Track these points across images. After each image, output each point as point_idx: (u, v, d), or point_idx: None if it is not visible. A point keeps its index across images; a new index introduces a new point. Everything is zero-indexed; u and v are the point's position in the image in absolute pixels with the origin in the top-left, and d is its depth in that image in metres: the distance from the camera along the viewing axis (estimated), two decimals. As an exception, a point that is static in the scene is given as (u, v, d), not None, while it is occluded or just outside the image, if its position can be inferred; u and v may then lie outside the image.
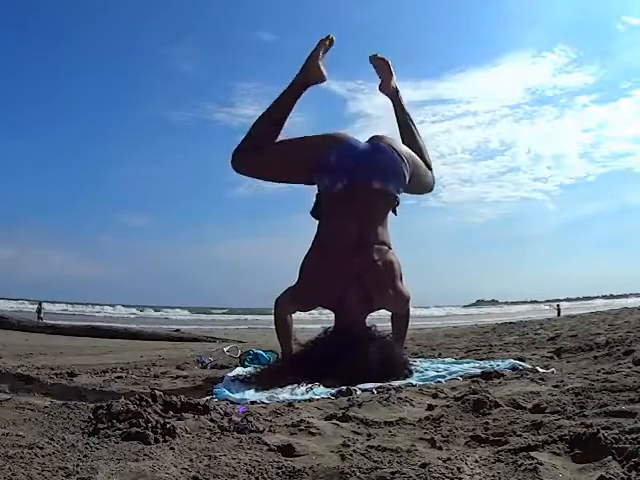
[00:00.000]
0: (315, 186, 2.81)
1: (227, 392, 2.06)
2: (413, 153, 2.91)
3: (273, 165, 2.83)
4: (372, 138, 2.85)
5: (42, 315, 17.28)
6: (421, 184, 3.08)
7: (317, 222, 2.81)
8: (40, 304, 18.83)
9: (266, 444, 1.20)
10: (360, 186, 2.64)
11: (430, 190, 3.26)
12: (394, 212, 2.84)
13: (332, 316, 2.77)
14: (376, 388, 2.07)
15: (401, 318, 2.85)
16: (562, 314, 17.40)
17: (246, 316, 30.12)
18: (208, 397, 1.95)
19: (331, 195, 2.68)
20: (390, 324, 2.90)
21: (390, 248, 2.74)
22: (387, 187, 2.68)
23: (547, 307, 23.55)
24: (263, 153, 2.77)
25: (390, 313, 2.90)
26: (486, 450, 1.14)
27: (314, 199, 2.82)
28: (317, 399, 1.93)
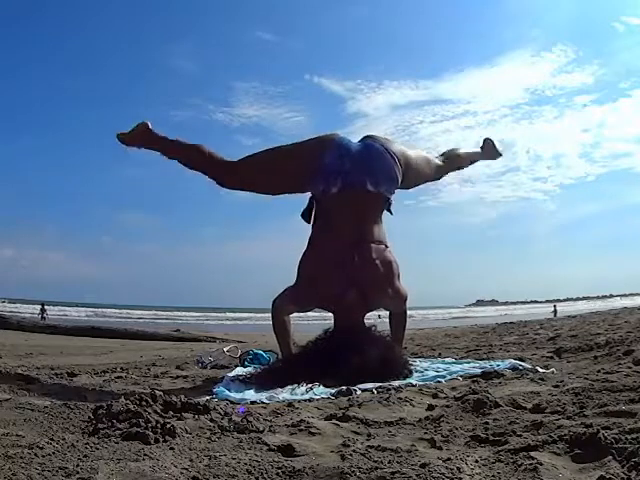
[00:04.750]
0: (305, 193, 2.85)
1: (227, 392, 2.06)
2: (406, 150, 2.91)
3: (260, 176, 2.84)
4: (364, 138, 2.87)
5: (45, 315, 17.36)
6: (420, 176, 3.08)
7: (310, 223, 2.83)
8: (43, 305, 18.92)
9: (266, 444, 1.20)
10: (354, 189, 2.66)
11: (435, 177, 3.25)
12: (389, 212, 2.86)
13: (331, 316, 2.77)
14: (376, 388, 2.07)
15: (399, 316, 2.86)
16: (562, 314, 17.35)
17: (246, 316, 30.13)
18: (208, 397, 1.95)
19: (326, 199, 2.71)
20: (388, 323, 2.90)
21: (387, 246, 2.74)
22: (380, 190, 2.71)
23: (551, 309, 23.56)
24: (246, 170, 2.83)
25: (388, 312, 2.90)
26: (486, 450, 1.14)
27: (307, 202, 2.85)
28: (317, 399, 1.93)
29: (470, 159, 3.48)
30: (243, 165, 2.83)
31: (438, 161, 3.18)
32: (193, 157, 2.85)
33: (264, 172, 2.81)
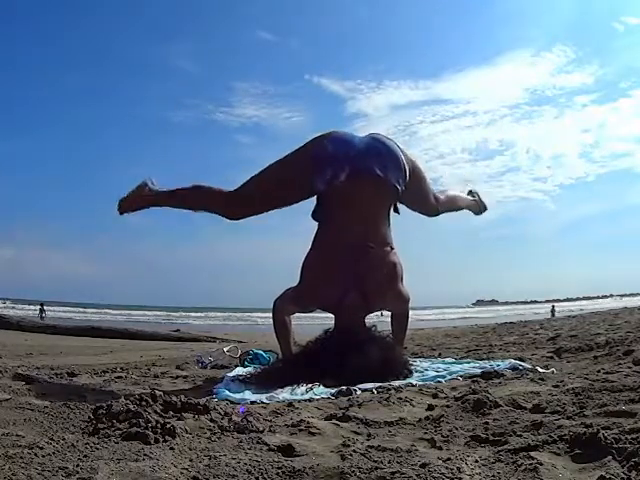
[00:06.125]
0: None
1: (227, 392, 2.06)
2: (415, 161, 2.86)
3: (268, 194, 2.78)
4: (369, 134, 2.84)
5: (44, 315, 17.43)
6: (422, 194, 2.97)
7: (317, 223, 2.80)
8: (42, 305, 18.99)
9: (266, 444, 1.20)
10: (361, 176, 2.60)
11: (433, 213, 3.13)
12: (396, 210, 2.81)
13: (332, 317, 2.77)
14: (376, 388, 2.07)
15: (400, 317, 2.85)
16: (562, 314, 17.27)
17: (246, 316, 30.12)
18: (208, 397, 1.95)
19: (332, 190, 2.61)
20: (390, 324, 2.90)
21: (392, 248, 2.71)
22: (387, 175, 2.62)
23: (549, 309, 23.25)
24: (247, 193, 2.77)
25: (389, 312, 2.90)
26: (486, 450, 1.14)
27: (315, 201, 2.79)
28: (317, 399, 1.93)
29: (466, 204, 3.46)
30: (245, 189, 2.78)
31: (441, 196, 3.12)
32: (193, 199, 2.85)
33: (271, 186, 2.75)
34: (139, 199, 2.84)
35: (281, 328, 2.73)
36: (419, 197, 2.96)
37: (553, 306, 24.20)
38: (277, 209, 2.86)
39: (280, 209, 2.86)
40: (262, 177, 2.78)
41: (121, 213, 2.88)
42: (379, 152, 2.68)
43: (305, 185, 2.69)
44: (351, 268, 2.57)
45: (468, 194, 3.56)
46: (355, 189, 2.60)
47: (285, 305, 2.74)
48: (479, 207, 3.57)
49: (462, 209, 3.44)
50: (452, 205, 3.31)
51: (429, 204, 3.05)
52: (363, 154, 2.65)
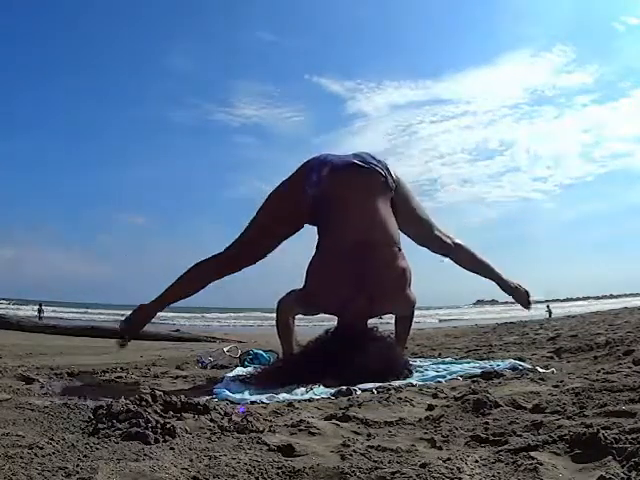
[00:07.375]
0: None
1: (227, 392, 2.06)
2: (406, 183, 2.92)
3: (269, 235, 2.86)
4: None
5: (42, 315, 17.45)
6: (411, 214, 2.88)
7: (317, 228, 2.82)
8: (40, 305, 19.00)
9: (266, 444, 1.20)
10: (346, 170, 2.71)
11: (427, 239, 2.98)
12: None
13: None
14: (376, 388, 2.07)
15: (404, 319, 2.84)
16: (561, 314, 17.16)
17: (247, 316, 30.11)
18: (208, 397, 1.95)
19: (321, 192, 2.69)
20: (394, 324, 2.89)
21: (400, 249, 2.68)
22: (369, 164, 2.74)
23: (546, 310, 22.87)
24: (248, 244, 2.84)
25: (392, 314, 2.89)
26: (486, 450, 1.14)
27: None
28: (317, 399, 1.93)
29: (495, 274, 3.13)
30: (244, 241, 2.85)
31: (443, 236, 2.98)
32: (199, 277, 2.88)
33: (269, 227, 2.83)
34: (144, 314, 2.91)
35: (284, 329, 2.73)
36: (411, 217, 2.90)
37: (548, 306, 23.77)
38: (288, 237, 2.92)
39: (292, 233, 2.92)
40: (256, 224, 2.86)
41: (127, 341, 2.95)
42: (359, 157, 2.80)
43: (303, 211, 2.79)
44: (354, 269, 2.55)
45: (520, 290, 3.16)
46: (343, 186, 2.67)
47: (289, 305, 2.74)
48: (520, 295, 3.14)
49: (487, 275, 3.13)
50: (475, 260, 3.08)
51: (426, 232, 2.96)
52: (341, 157, 2.81)
